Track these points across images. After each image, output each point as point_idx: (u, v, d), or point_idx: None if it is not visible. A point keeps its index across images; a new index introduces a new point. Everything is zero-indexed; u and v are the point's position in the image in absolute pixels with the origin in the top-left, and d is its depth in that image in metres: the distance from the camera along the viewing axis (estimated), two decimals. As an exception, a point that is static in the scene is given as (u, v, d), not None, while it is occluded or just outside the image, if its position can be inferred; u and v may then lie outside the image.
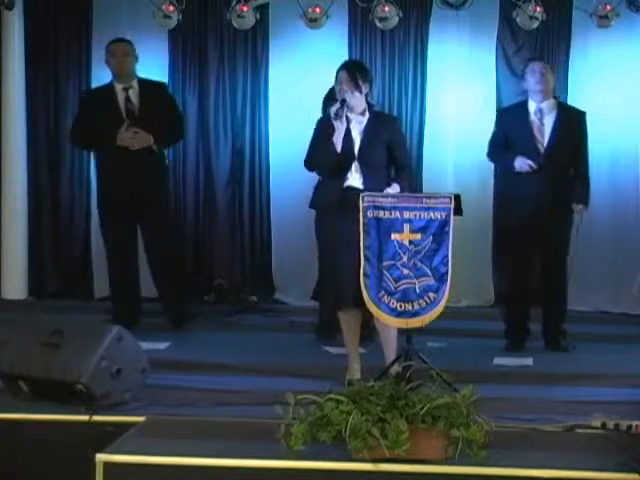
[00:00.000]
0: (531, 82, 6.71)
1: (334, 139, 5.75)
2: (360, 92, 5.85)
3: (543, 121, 6.68)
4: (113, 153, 7.12)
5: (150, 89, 7.35)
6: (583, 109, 6.92)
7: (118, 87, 7.24)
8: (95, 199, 7.87)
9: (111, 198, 7.25)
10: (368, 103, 5.93)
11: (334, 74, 8.36)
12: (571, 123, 6.75)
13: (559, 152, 6.65)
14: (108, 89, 7.29)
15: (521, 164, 6.58)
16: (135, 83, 7.27)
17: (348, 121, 5.83)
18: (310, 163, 5.93)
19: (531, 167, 6.55)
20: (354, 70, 5.94)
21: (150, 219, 7.25)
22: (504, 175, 6.86)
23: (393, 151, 5.91)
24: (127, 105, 7.21)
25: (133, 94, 7.23)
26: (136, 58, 7.33)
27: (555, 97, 6.88)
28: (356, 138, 5.82)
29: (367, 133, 5.82)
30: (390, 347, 5.71)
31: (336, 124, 5.75)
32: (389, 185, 5.78)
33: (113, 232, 7.27)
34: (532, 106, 6.72)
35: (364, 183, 5.76)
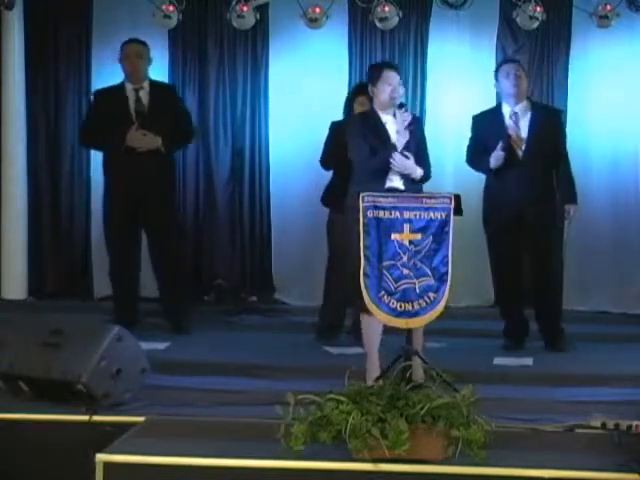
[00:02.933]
0: (506, 85, 6.66)
1: (397, 143, 5.80)
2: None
3: (519, 124, 6.65)
4: (122, 154, 7.12)
5: (160, 91, 7.36)
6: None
7: (129, 87, 7.24)
8: (95, 199, 7.87)
9: (118, 198, 7.24)
10: None
11: (334, 74, 8.39)
12: (547, 123, 6.72)
13: (538, 153, 6.61)
14: (119, 89, 7.29)
15: (494, 158, 6.53)
16: (146, 84, 7.27)
17: (384, 122, 5.86)
18: (364, 166, 5.91)
19: (504, 151, 6.49)
20: (399, 70, 6.03)
21: (156, 221, 7.22)
22: (486, 179, 6.85)
23: (418, 150, 5.95)
24: (137, 106, 7.21)
25: (144, 95, 7.24)
26: (149, 60, 7.33)
27: (528, 98, 6.84)
28: (397, 142, 5.86)
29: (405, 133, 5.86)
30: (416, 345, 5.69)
31: (393, 126, 5.82)
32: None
33: (117, 232, 7.25)
34: (507, 110, 6.69)
35: (405, 184, 5.79)
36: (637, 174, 8.21)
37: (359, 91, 7.09)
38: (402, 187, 5.79)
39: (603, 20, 7.68)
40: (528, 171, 6.58)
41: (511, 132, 6.61)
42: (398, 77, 5.93)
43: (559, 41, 8.32)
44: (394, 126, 5.89)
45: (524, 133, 6.64)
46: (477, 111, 7.03)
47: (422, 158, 6.00)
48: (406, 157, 5.83)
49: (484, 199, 6.85)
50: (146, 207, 7.18)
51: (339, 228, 6.84)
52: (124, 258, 7.29)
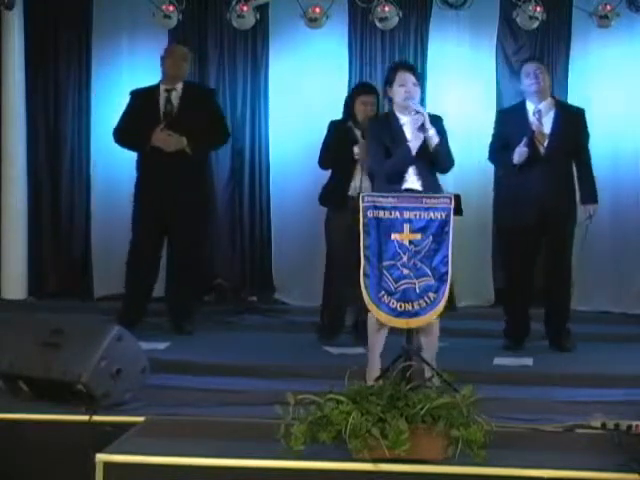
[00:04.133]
0: (526, 83, 6.70)
1: (411, 144, 5.79)
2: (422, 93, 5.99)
3: (542, 121, 6.67)
4: (150, 154, 7.13)
5: (194, 93, 7.37)
6: (583, 109, 6.91)
7: (162, 88, 7.27)
8: (95, 199, 7.86)
9: (144, 199, 7.24)
10: None
11: (334, 74, 8.39)
12: (570, 121, 6.74)
13: (560, 151, 6.64)
14: (153, 90, 7.32)
15: (518, 154, 6.55)
16: (179, 86, 7.27)
17: (402, 124, 5.87)
18: (380, 168, 5.91)
19: (528, 147, 6.51)
20: (416, 70, 6.02)
21: (178, 224, 7.18)
22: (506, 176, 6.86)
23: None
24: (167, 107, 7.23)
25: (175, 96, 7.24)
26: (188, 67, 7.42)
27: (553, 96, 6.87)
28: (412, 140, 5.85)
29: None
30: (430, 347, 5.69)
31: (410, 129, 5.81)
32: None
33: (142, 230, 7.23)
34: (530, 107, 6.72)
35: (423, 184, 5.79)
36: (637, 174, 8.21)
37: (361, 90, 7.10)
38: (420, 188, 5.77)
39: (603, 20, 7.68)
40: (550, 168, 6.60)
41: (534, 128, 6.62)
42: (413, 78, 5.90)
43: (559, 41, 8.32)
44: (411, 127, 5.88)
45: (547, 130, 6.65)
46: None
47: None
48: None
49: (501, 196, 6.84)
50: (171, 208, 7.14)
51: (337, 227, 6.86)
52: (143, 258, 7.25)
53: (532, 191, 6.59)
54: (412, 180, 5.83)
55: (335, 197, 6.92)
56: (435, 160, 5.86)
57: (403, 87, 5.88)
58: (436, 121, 5.95)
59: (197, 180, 7.33)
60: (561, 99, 7.31)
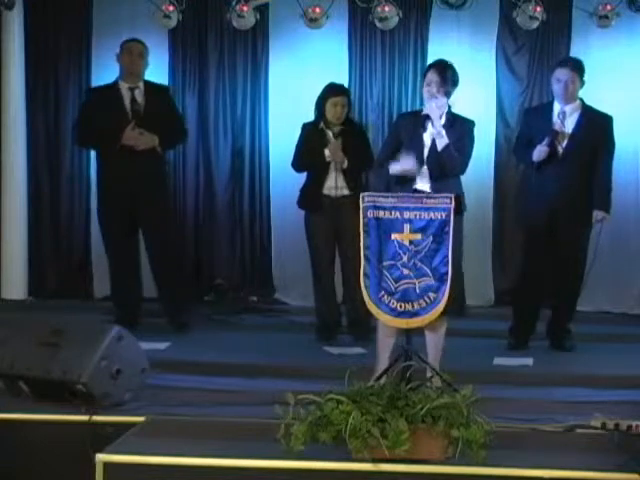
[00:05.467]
0: (555, 89, 6.73)
1: (425, 135, 5.83)
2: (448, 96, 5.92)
3: (565, 122, 6.68)
4: (117, 153, 7.11)
5: (155, 91, 7.35)
6: (610, 116, 6.90)
7: (124, 86, 7.23)
8: (95, 199, 7.85)
9: (112, 198, 7.24)
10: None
11: (334, 74, 8.39)
12: (594, 126, 6.74)
13: (577, 153, 6.65)
14: (113, 88, 7.28)
15: (537, 151, 6.58)
16: (141, 84, 7.27)
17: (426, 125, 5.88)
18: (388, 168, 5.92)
19: (549, 146, 6.54)
20: (443, 72, 5.94)
21: (151, 220, 7.23)
22: (525, 174, 6.92)
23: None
24: (133, 105, 7.21)
25: (139, 95, 7.23)
26: (147, 62, 7.34)
27: (581, 100, 6.85)
28: (426, 142, 5.86)
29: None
30: (435, 349, 5.70)
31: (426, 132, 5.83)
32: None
33: (114, 232, 7.26)
34: (557, 107, 6.75)
35: (432, 186, 5.80)
36: (637, 174, 8.21)
37: (331, 91, 7.06)
38: (428, 190, 5.77)
39: (603, 20, 7.68)
40: (565, 169, 6.62)
41: (557, 128, 6.63)
42: (437, 78, 5.87)
43: (559, 41, 8.32)
44: (432, 129, 5.87)
45: (568, 130, 6.66)
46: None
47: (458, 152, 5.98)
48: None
49: (519, 194, 6.89)
50: (141, 206, 7.18)
51: (316, 228, 6.93)
52: (123, 258, 7.29)
53: (545, 190, 6.61)
54: (422, 181, 5.84)
55: (311, 198, 6.99)
56: (442, 161, 5.87)
57: (428, 87, 5.91)
58: (463, 124, 5.96)
59: (162, 178, 7.42)
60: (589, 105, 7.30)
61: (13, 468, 4.92)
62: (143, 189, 7.14)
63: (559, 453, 4.48)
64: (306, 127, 7.14)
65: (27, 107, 8.58)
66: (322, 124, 7.02)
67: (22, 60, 8.50)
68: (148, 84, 7.34)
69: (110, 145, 7.13)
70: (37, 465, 4.91)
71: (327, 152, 6.93)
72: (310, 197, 7.03)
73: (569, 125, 6.68)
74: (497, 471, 4.23)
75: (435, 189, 5.76)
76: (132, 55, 7.24)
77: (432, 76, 5.91)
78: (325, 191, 6.95)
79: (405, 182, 5.83)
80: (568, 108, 6.72)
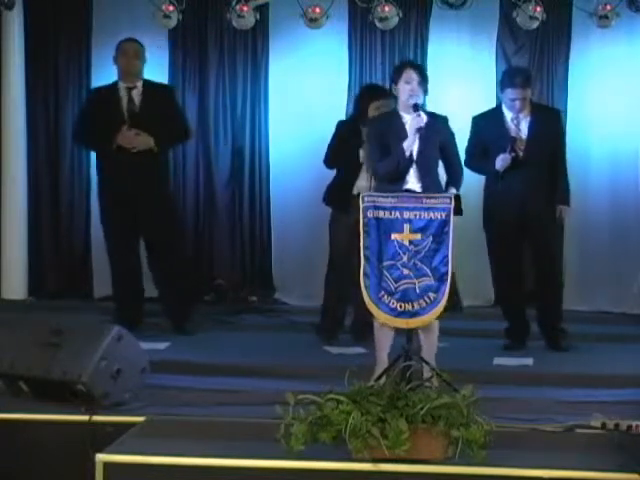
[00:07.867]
0: (509, 105, 6.65)
1: (405, 145, 5.77)
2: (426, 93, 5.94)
3: (520, 126, 6.67)
4: (113, 153, 7.11)
5: (154, 91, 7.33)
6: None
7: (122, 87, 7.23)
8: (95, 199, 7.84)
9: (112, 199, 7.24)
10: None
11: (334, 74, 8.38)
12: (546, 124, 6.74)
13: (539, 154, 6.64)
14: (112, 88, 7.27)
15: (501, 160, 6.55)
16: (140, 84, 7.26)
17: (404, 122, 5.85)
18: (377, 168, 5.92)
19: (511, 154, 6.52)
20: (422, 70, 5.99)
21: (151, 221, 7.22)
22: (487, 181, 6.86)
23: (444, 151, 5.93)
24: (129, 105, 7.20)
25: (136, 95, 7.22)
26: (144, 60, 7.32)
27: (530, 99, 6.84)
28: (414, 141, 5.84)
29: (423, 135, 5.80)
30: (429, 346, 5.70)
31: (410, 130, 5.79)
32: (446, 190, 5.82)
33: (115, 233, 7.26)
34: (508, 114, 6.70)
35: (422, 187, 5.78)
36: (637, 174, 8.21)
37: (373, 94, 6.90)
38: (419, 190, 5.75)
39: (603, 20, 7.67)
40: (529, 171, 6.61)
41: (513, 134, 6.62)
42: (418, 77, 5.88)
43: (559, 41, 8.32)
44: (411, 128, 5.85)
45: (524, 135, 6.65)
46: (477, 111, 7.03)
47: (448, 160, 5.97)
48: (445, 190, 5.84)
49: (485, 200, 6.85)
50: (141, 206, 7.16)
51: (341, 227, 6.85)
52: (123, 258, 7.29)
53: (511, 195, 6.61)
54: (412, 181, 5.83)
55: (340, 197, 6.88)
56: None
57: (408, 85, 5.86)
58: (441, 122, 5.96)
59: (161, 178, 7.39)
60: (536, 101, 7.27)
61: (13, 468, 4.92)
62: (143, 190, 7.12)
63: (559, 453, 4.48)
64: (342, 125, 7.08)
65: (27, 107, 8.57)
66: (360, 124, 6.81)
67: (22, 60, 8.49)
68: (148, 83, 7.33)
69: (106, 146, 7.13)
70: (37, 465, 4.91)
71: (362, 152, 6.81)
72: (339, 195, 6.91)
73: (523, 128, 6.67)
74: (497, 471, 4.23)
75: (425, 189, 5.74)
76: (127, 56, 7.23)
77: (413, 75, 5.87)
78: (355, 190, 6.79)
79: (395, 181, 5.81)
80: (521, 113, 6.70)
